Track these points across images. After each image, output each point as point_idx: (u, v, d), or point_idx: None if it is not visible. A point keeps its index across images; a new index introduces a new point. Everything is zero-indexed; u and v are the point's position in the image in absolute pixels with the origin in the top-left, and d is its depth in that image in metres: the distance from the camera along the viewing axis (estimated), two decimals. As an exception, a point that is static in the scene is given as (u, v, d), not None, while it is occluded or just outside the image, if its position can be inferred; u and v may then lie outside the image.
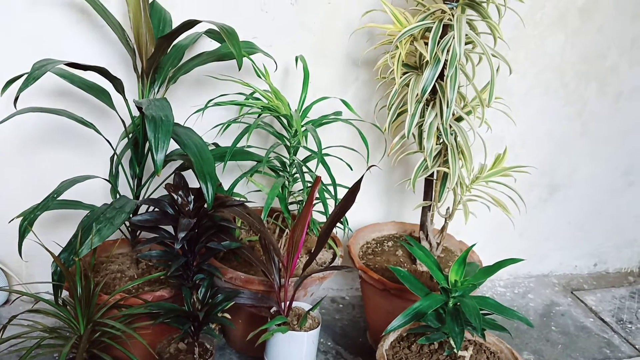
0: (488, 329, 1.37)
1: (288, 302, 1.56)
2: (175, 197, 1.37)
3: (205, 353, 1.43)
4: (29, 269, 1.86)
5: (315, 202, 1.61)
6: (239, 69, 1.35)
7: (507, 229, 2.13)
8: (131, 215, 1.45)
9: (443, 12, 1.59)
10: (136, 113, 1.55)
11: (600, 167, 2.43)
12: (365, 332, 2.07)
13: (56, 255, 1.34)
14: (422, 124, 1.69)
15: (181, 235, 1.27)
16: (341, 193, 1.60)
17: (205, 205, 1.37)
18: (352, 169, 1.84)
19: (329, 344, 1.99)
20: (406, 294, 1.75)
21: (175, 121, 1.44)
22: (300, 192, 1.81)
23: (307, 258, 1.57)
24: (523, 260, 1.46)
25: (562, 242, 2.53)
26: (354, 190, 1.47)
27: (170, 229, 1.42)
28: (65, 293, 1.41)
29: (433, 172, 1.80)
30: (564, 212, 2.47)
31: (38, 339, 1.30)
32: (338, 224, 1.75)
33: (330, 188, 1.76)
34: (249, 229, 1.93)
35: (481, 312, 1.37)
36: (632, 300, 2.46)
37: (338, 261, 1.83)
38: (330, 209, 1.64)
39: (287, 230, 1.85)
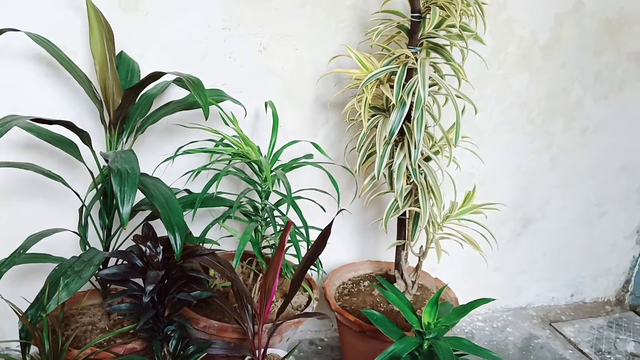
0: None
1: (262, 350, 1.54)
2: (144, 248, 1.36)
3: (178, 407, 1.41)
4: (-2, 325, 1.82)
5: (288, 245, 1.61)
6: (206, 119, 1.36)
7: (483, 264, 2.14)
8: (100, 268, 1.44)
9: (407, 56, 1.63)
10: (104, 164, 1.55)
11: (571, 199, 2.47)
12: (344, 374, 2.05)
13: (23, 311, 1.32)
14: (391, 165, 1.71)
15: (149, 288, 1.26)
16: (314, 235, 1.61)
17: (174, 256, 1.36)
18: (324, 211, 1.84)
19: (308, 388, 1.97)
20: (383, 336, 1.74)
21: (143, 170, 1.45)
22: (273, 235, 1.81)
23: (281, 303, 1.56)
24: (494, 300, 1.47)
25: (538, 274, 2.55)
26: (324, 235, 1.47)
27: (140, 281, 1.40)
28: (35, 349, 1.39)
29: (405, 212, 1.82)
30: (539, 244, 2.50)
31: (4, 400, 1.27)
32: (312, 267, 1.75)
33: (303, 231, 1.76)
34: (223, 276, 1.92)
35: (455, 353, 1.37)
36: (609, 330, 2.48)
37: (313, 304, 1.81)
38: (304, 251, 1.64)
39: (261, 274, 1.84)
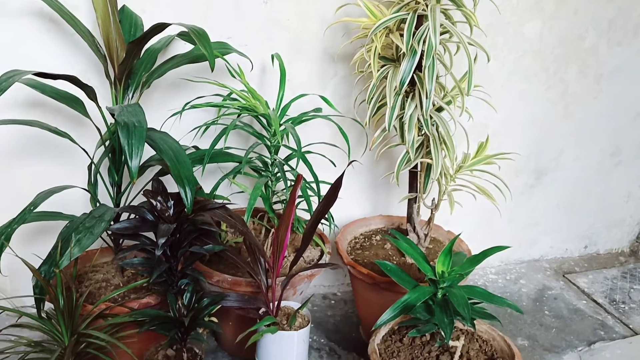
0: (478, 318, 1.36)
1: (276, 302, 1.54)
2: (154, 203, 1.35)
3: (194, 358, 1.42)
4: (13, 283, 1.84)
5: (299, 200, 1.60)
6: (212, 70, 1.33)
7: (495, 217, 2.12)
8: (112, 224, 1.44)
9: (417, 2, 1.58)
10: (111, 120, 1.53)
11: (585, 148, 2.43)
12: (357, 327, 2.06)
13: (36, 268, 1.32)
14: (402, 116, 1.68)
15: (161, 241, 1.25)
16: (325, 189, 1.59)
17: (185, 210, 1.35)
18: (335, 165, 1.83)
19: (322, 340, 1.98)
20: (396, 287, 1.74)
21: (151, 126, 1.43)
22: (284, 191, 1.80)
23: (294, 257, 1.55)
24: (509, 247, 1.46)
25: (551, 225, 2.53)
26: (335, 187, 1.46)
27: (151, 235, 1.40)
28: (50, 305, 1.40)
29: (417, 164, 1.79)
30: (552, 195, 2.47)
31: (22, 353, 1.28)
32: (323, 221, 1.74)
33: (314, 185, 1.75)
34: (235, 231, 1.91)
35: (470, 301, 1.37)
36: (624, 280, 2.47)
37: (326, 258, 1.81)
38: (315, 206, 1.63)
39: (273, 230, 1.84)
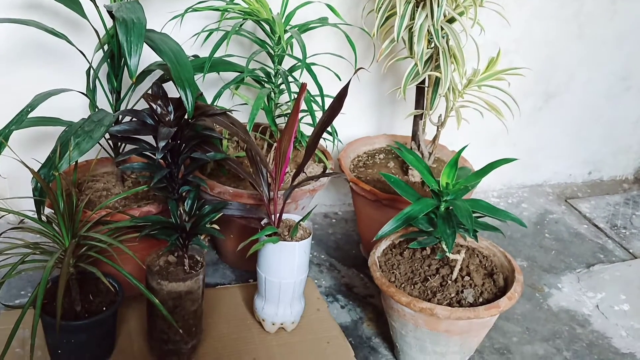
0: (480, 229, 1.36)
1: (278, 215, 1.53)
2: (155, 106, 1.31)
3: (195, 265, 1.42)
4: (12, 190, 1.82)
5: (302, 115, 1.56)
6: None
7: (501, 139, 2.09)
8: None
9: None
10: (110, 23, 1.47)
11: (597, 72, 2.37)
12: (358, 244, 2.07)
13: (35, 171, 1.30)
14: (412, 27, 1.61)
15: (161, 144, 1.22)
16: (329, 104, 1.55)
17: (186, 115, 1.32)
18: (340, 79, 1.77)
19: (323, 257, 1.99)
20: (398, 204, 1.73)
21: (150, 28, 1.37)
22: (288, 103, 1.76)
23: (296, 169, 1.53)
24: (515, 160, 1.44)
25: (556, 150, 2.50)
26: (341, 96, 1.41)
27: (151, 140, 1.37)
28: (49, 211, 1.38)
29: (424, 79, 1.74)
30: (560, 119, 2.43)
31: (23, 255, 1.28)
32: (327, 135, 1.71)
33: (318, 99, 1.70)
34: (237, 145, 1.89)
35: (473, 214, 1.35)
36: (626, 206, 2.46)
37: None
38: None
39: (275, 144, 1.81)
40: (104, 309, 1.41)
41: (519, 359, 1.63)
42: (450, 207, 1.39)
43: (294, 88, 1.69)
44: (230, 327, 1.62)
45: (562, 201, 2.46)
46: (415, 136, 1.88)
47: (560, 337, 1.72)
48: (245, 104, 1.73)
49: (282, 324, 1.60)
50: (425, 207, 1.37)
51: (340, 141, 1.82)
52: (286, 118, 1.77)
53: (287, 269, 1.52)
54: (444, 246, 1.45)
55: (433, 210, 1.39)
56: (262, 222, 1.53)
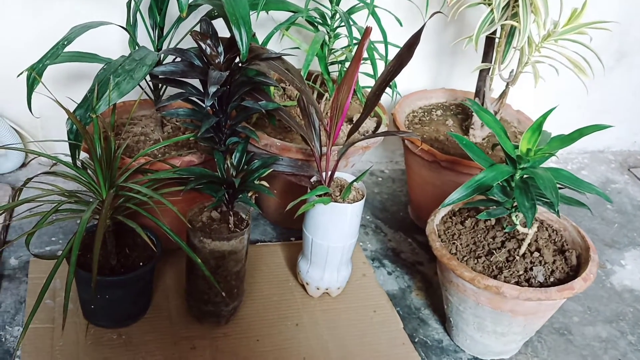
0: (564, 203, 1.20)
1: (330, 172, 1.40)
2: (204, 46, 1.17)
3: (240, 223, 1.30)
4: (44, 130, 1.71)
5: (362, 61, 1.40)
6: None
7: (564, 99, 1.90)
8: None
9: None
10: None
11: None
12: (406, 206, 1.94)
13: (71, 112, 1.17)
14: (490, -32, 1.43)
15: (212, 90, 1.08)
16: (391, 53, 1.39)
17: (238, 57, 1.17)
18: (401, 24, 1.60)
19: (368, 217, 1.87)
20: (458, 167, 1.58)
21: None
22: (343, 49, 1.60)
23: (354, 123, 1.38)
24: (610, 126, 1.26)
25: (623, 115, 2.30)
26: (411, 44, 1.25)
27: (198, 84, 1.23)
28: (84, 155, 1.27)
29: (496, 29, 1.56)
30: (630, 81, 2.23)
31: (56, 203, 1.17)
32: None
33: (379, 47, 1.54)
34: (283, 93, 1.74)
35: (553, 185, 1.20)
36: (694, 179, 2.28)
37: (383, 130, 1.64)
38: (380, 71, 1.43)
39: (326, 95, 1.66)
40: (141, 264, 1.31)
41: (580, 341, 1.51)
42: (526, 176, 1.24)
43: (354, 33, 1.52)
44: (272, 289, 1.52)
45: (625, 170, 2.29)
46: (479, 93, 1.71)
47: (624, 319, 1.59)
48: (297, 47, 1.57)
49: (327, 289, 1.50)
50: (499, 175, 1.22)
51: (399, 94, 1.67)
52: (340, 66, 1.62)
53: (336, 233, 1.40)
54: (514, 219, 1.31)
55: (507, 178, 1.24)
56: (312, 180, 1.41)
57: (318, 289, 1.49)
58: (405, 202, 1.95)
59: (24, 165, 1.79)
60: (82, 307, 1.33)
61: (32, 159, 1.77)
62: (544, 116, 1.20)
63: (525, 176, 1.25)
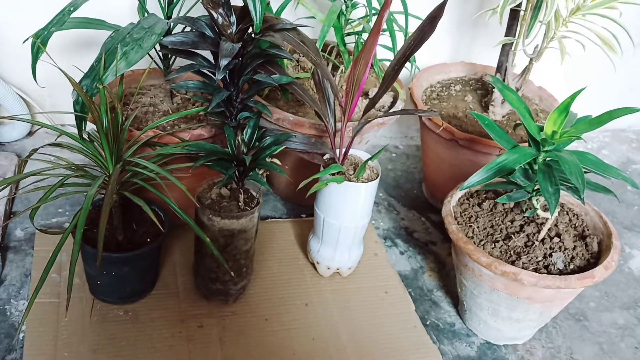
0: (590, 189, 1.15)
1: (344, 150, 1.35)
2: (215, 15, 1.11)
3: (250, 201, 1.26)
4: (52, 98, 1.67)
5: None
6: None
7: (587, 76, 1.83)
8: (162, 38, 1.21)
9: None
10: None
11: None
12: (420, 184, 1.89)
13: (77, 82, 1.13)
14: (518, -63, 1.35)
15: (223, 62, 1.03)
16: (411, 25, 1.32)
17: (251, 28, 1.11)
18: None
19: (381, 194, 1.82)
20: (477, 146, 1.53)
21: None
22: (360, 20, 1.53)
23: (370, 99, 1.33)
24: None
25: (646, 93, 2.23)
26: (434, 16, 1.18)
27: (208, 55, 1.18)
28: (91, 127, 1.22)
29: (522, 2, 1.49)
30: (657, 59, 2.13)
31: (62, 176, 1.13)
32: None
33: (398, 18, 1.47)
34: (296, 64, 1.68)
35: (577, 170, 1.14)
36: None
37: (400, 105, 1.59)
38: (399, 45, 1.37)
39: (341, 67, 1.60)
40: (148, 240, 1.28)
41: (596, 327, 1.47)
42: (549, 159, 1.19)
43: (373, 2, 1.46)
44: (282, 267, 1.48)
45: (647, 150, 2.22)
46: (500, 68, 1.64)
47: (642, 307, 1.55)
48: (313, 17, 1.51)
49: (337, 269, 1.46)
50: (522, 158, 1.16)
51: (418, 68, 1.60)
52: (357, 37, 1.56)
53: (349, 212, 1.36)
54: (535, 202, 1.26)
55: (529, 161, 1.19)
56: (325, 158, 1.36)
57: (329, 268, 1.46)
58: (420, 179, 1.90)
59: (30, 133, 1.75)
60: (88, 282, 1.30)
61: (39, 128, 1.74)
62: (572, 97, 1.14)
63: (548, 159, 1.19)
